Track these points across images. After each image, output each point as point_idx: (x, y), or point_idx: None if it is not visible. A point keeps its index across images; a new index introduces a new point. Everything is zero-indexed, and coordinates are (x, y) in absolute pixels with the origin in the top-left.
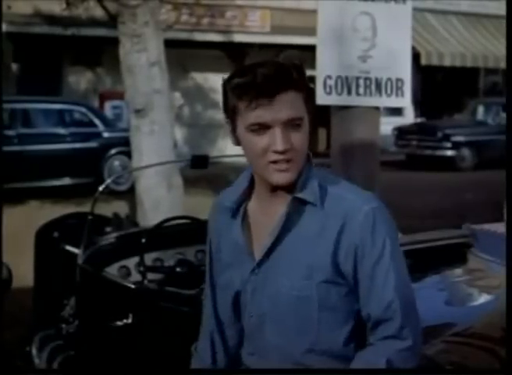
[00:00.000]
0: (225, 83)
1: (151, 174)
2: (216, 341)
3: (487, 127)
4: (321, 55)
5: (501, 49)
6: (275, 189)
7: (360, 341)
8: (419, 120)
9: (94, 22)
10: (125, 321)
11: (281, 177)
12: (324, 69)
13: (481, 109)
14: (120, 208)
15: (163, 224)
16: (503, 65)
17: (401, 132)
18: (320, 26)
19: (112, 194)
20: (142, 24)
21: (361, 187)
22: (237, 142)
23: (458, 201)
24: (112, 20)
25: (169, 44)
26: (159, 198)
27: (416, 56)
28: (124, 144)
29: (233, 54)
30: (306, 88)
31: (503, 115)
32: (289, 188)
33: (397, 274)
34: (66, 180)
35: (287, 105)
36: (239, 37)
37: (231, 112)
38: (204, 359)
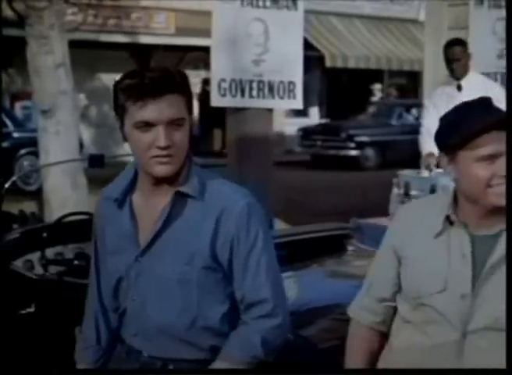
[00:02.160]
0: (116, 84)
1: (57, 174)
2: (100, 323)
3: (390, 128)
4: (215, 59)
5: (404, 52)
6: (157, 182)
7: (234, 319)
8: (324, 121)
9: (5, 22)
10: (28, 310)
11: (162, 169)
12: (218, 72)
13: (384, 110)
14: (30, 207)
15: (62, 220)
16: (406, 67)
17: (306, 132)
18: (214, 31)
19: (22, 194)
20: (48, 26)
21: (256, 186)
22: (125, 138)
23: (361, 199)
24: (22, 21)
25: (76, 44)
26: (65, 197)
27: (321, 58)
28: (33, 145)
29: (139, 55)
30: (188, 92)
31: (406, 116)
32: (171, 182)
33: (268, 261)
34: None
35: (170, 106)
36: (144, 39)
37: (120, 111)
38: (89, 340)
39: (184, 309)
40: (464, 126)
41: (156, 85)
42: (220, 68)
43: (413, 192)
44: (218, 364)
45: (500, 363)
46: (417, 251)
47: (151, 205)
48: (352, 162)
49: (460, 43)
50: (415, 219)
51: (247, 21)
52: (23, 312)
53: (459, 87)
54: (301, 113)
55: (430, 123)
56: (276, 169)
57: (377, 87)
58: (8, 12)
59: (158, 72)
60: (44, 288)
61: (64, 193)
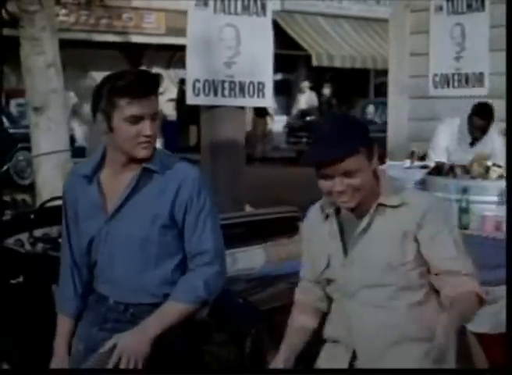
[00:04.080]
0: (105, 85)
1: (48, 168)
2: (75, 277)
3: (374, 125)
4: (190, 61)
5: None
6: (128, 162)
7: (184, 269)
8: (309, 118)
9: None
10: (17, 280)
11: (145, 152)
12: (193, 73)
13: (371, 108)
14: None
15: (46, 204)
16: None
17: (291, 129)
18: (189, 36)
19: (17, 187)
20: (40, 29)
21: (227, 181)
22: (110, 130)
23: None
24: (16, 22)
25: (70, 44)
26: (55, 189)
27: (307, 58)
28: (27, 140)
29: (130, 54)
30: (158, 91)
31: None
32: (139, 161)
33: (213, 223)
34: None
35: (153, 103)
36: (135, 38)
37: (108, 107)
38: (66, 293)
39: (145, 262)
40: (303, 158)
41: (146, 86)
42: (194, 69)
43: None
44: (169, 304)
45: (377, 316)
46: (315, 239)
47: (118, 179)
48: None
49: (489, 116)
50: (315, 214)
51: (220, 26)
52: (13, 281)
53: (472, 144)
54: (288, 111)
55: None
56: (263, 165)
57: (305, 84)
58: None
59: (142, 74)
60: (31, 261)
61: (54, 185)
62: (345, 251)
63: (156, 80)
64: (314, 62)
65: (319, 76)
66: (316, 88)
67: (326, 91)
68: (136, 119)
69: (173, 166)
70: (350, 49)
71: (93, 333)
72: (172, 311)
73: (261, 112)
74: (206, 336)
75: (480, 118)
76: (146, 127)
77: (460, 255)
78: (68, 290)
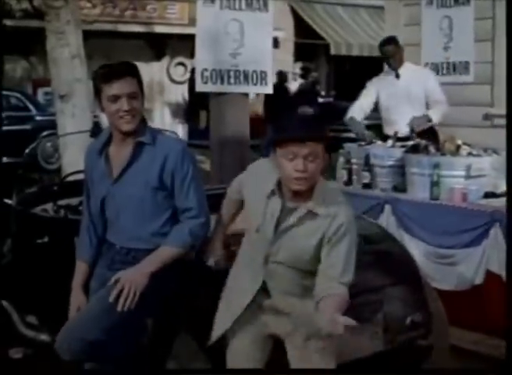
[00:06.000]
0: (96, 73)
1: (73, 151)
2: (91, 229)
3: None
4: (199, 53)
5: None
6: (124, 136)
7: (173, 223)
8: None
9: (28, 15)
10: (43, 240)
11: (127, 126)
12: (201, 63)
13: None
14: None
15: (67, 177)
16: None
17: None
18: (198, 29)
19: (45, 172)
20: (64, 23)
21: (233, 159)
22: (102, 109)
23: None
24: (41, 16)
25: (95, 35)
26: (79, 169)
27: (326, 46)
28: (54, 127)
29: (154, 44)
30: (138, 77)
31: None
32: (133, 136)
33: (195, 185)
34: (4, 159)
35: (128, 85)
36: (159, 29)
37: (98, 91)
38: (84, 243)
39: (141, 217)
40: (279, 132)
41: (118, 71)
42: (203, 60)
43: (353, 160)
44: (162, 248)
45: (291, 284)
46: (250, 193)
47: (120, 151)
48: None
49: (391, 42)
50: (258, 173)
51: (226, 21)
52: (39, 241)
53: (397, 76)
54: None
55: (366, 101)
56: None
57: (297, 72)
58: (28, 6)
59: (122, 64)
60: (54, 225)
61: (78, 165)
62: (274, 232)
63: (131, 66)
64: (333, 51)
65: (339, 64)
66: (336, 75)
67: (312, 77)
68: (114, 98)
69: (162, 140)
70: (367, 38)
71: (104, 272)
72: (164, 253)
73: None
74: (195, 273)
75: (384, 45)
76: (123, 104)
77: (346, 267)
78: (85, 240)
